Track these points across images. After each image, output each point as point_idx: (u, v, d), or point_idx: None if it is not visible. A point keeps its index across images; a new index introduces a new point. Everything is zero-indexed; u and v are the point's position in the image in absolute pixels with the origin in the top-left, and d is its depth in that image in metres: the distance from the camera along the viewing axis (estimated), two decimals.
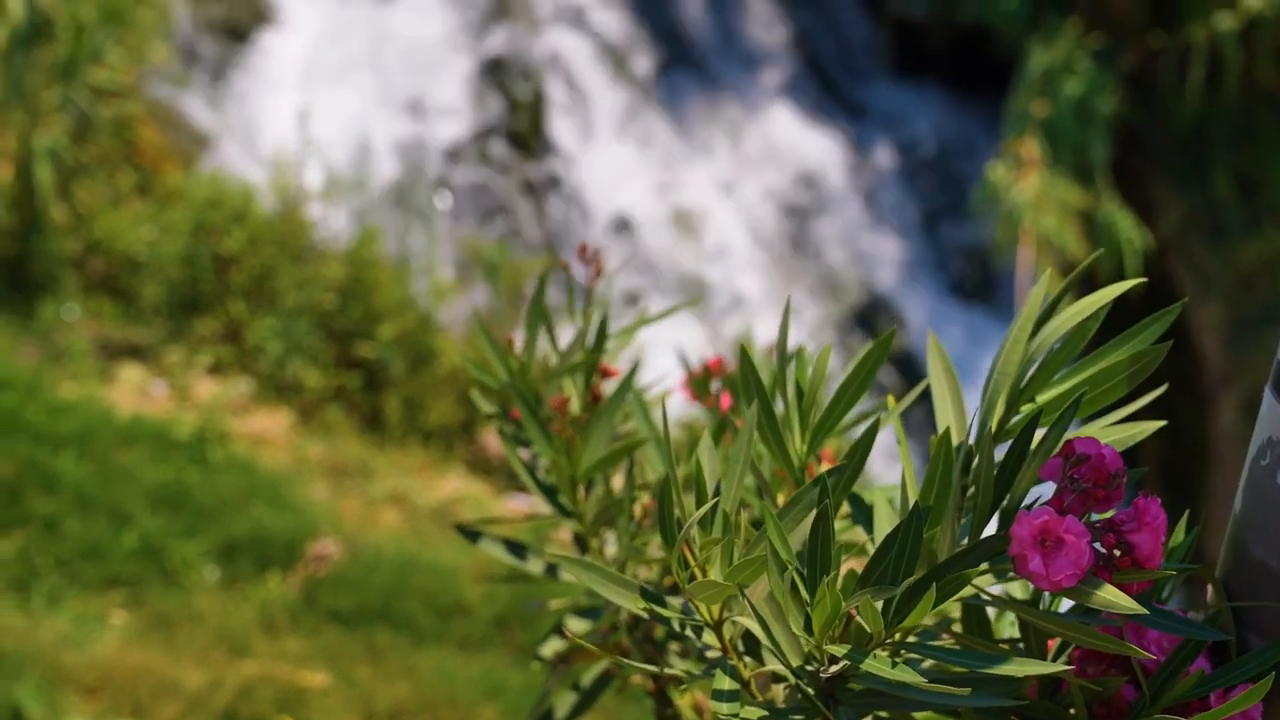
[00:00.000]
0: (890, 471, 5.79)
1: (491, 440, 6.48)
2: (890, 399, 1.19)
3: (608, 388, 1.45)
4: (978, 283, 8.96)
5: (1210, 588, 1.02)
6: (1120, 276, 7.73)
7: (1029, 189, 7.95)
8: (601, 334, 1.44)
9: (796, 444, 1.14)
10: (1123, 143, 8.47)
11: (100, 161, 6.78)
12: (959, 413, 1.04)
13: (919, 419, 7.14)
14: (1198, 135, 8.37)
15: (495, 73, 8.63)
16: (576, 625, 1.42)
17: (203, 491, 5.24)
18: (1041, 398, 1.02)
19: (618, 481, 1.45)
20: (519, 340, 1.44)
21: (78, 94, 6.17)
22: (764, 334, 8.24)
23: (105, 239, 6.58)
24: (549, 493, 1.39)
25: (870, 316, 8.72)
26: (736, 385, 1.78)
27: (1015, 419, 1.03)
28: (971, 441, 1.02)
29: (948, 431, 0.98)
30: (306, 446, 6.11)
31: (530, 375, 1.42)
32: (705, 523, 0.99)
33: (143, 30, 7.13)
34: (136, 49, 7.08)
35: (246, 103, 8.54)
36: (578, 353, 1.45)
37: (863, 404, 1.21)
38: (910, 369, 8.56)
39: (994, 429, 1.02)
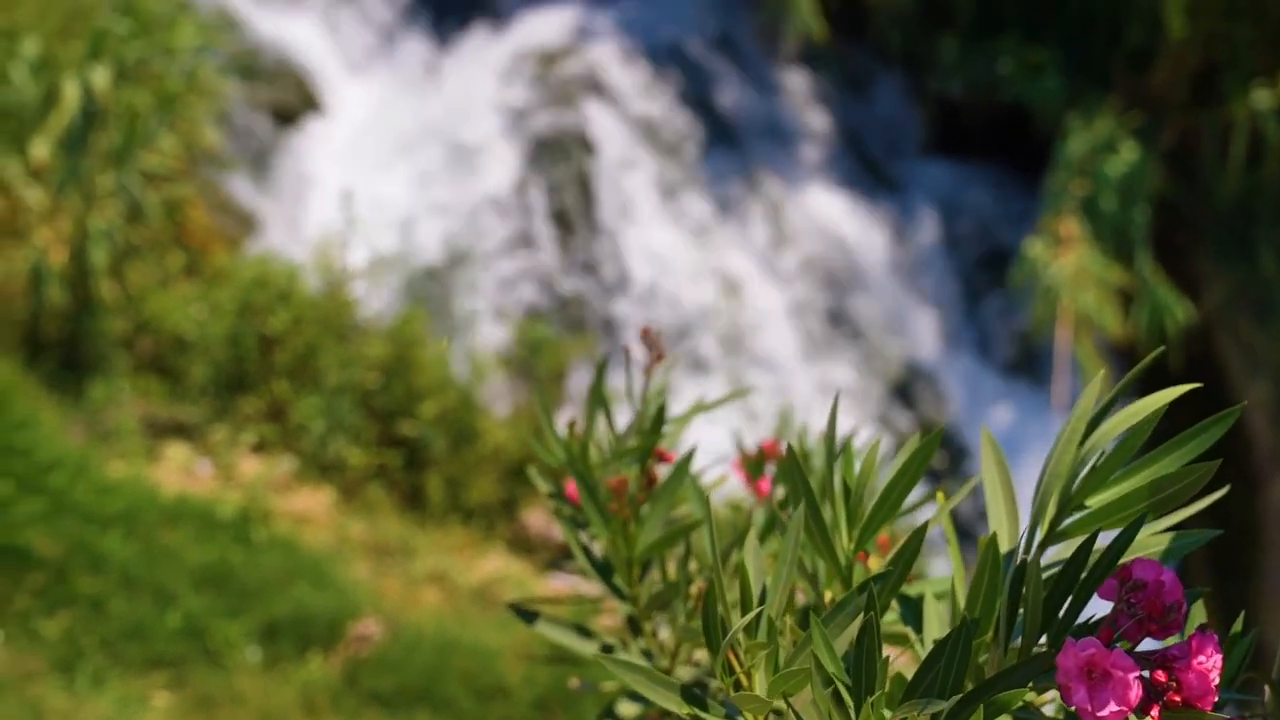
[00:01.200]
0: (941, 540, 5.73)
1: (533, 519, 6.48)
2: (940, 495, 1.19)
3: (663, 469, 1.47)
4: (1019, 357, 8.91)
5: (1269, 690, 1.00)
6: (1164, 354, 7.66)
7: (1067, 266, 7.93)
8: (659, 420, 1.46)
9: (844, 542, 1.14)
10: (1165, 219, 8.45)
11: (151, 243, 6.91)
12: (1011, 515, 1.03)
13: (968, 503, 7.07)
14: (1242, 211, 8.34)
15: (539, 154, 8.75)
16: (627, 710, 1.42)
17: (246, 571, 5.26)
18: (1093, 501, 1.01)
19: (670, 562, 1.45)
20: (572, 421, 1.47)
21: (130, 179, 6.31)
22: (802, 405, 8.21)
23: (154, 319, 6.68)
24: (604, 574, 1.40)
25: (911, 390, 8.68)
26: (785, 473, 1.79)
27: (1067, 521, 1.02)
28: (1021, 546, 1.01)
29: (995, 538, 0.97)
30: (348, 525, 6.13)
31: (589, 458, 1.44)
32: (751, 628, 0.98)
33: (194, 116, 7.30)
34: (187, 134, 7.24)
35: (293, 184, 8.70)
36: (635, 437, 1.47)
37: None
38: (953, 444, 8.50)
39: (1045, 532, 1.02)
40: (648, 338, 1.53)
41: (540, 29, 9.53)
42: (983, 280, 9.12)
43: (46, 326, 6.26)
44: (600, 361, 1.52)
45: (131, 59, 6.35)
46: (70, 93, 5.82)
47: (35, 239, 6.15)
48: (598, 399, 1.50)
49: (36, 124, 5.99)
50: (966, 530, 7.06)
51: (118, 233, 6.41)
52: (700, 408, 1.61)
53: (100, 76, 5.93)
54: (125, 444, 6.02)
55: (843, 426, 1.26)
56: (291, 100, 9.09)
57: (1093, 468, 1.02)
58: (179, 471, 6.04)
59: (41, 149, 6.01)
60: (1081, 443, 1.03)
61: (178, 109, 6.86)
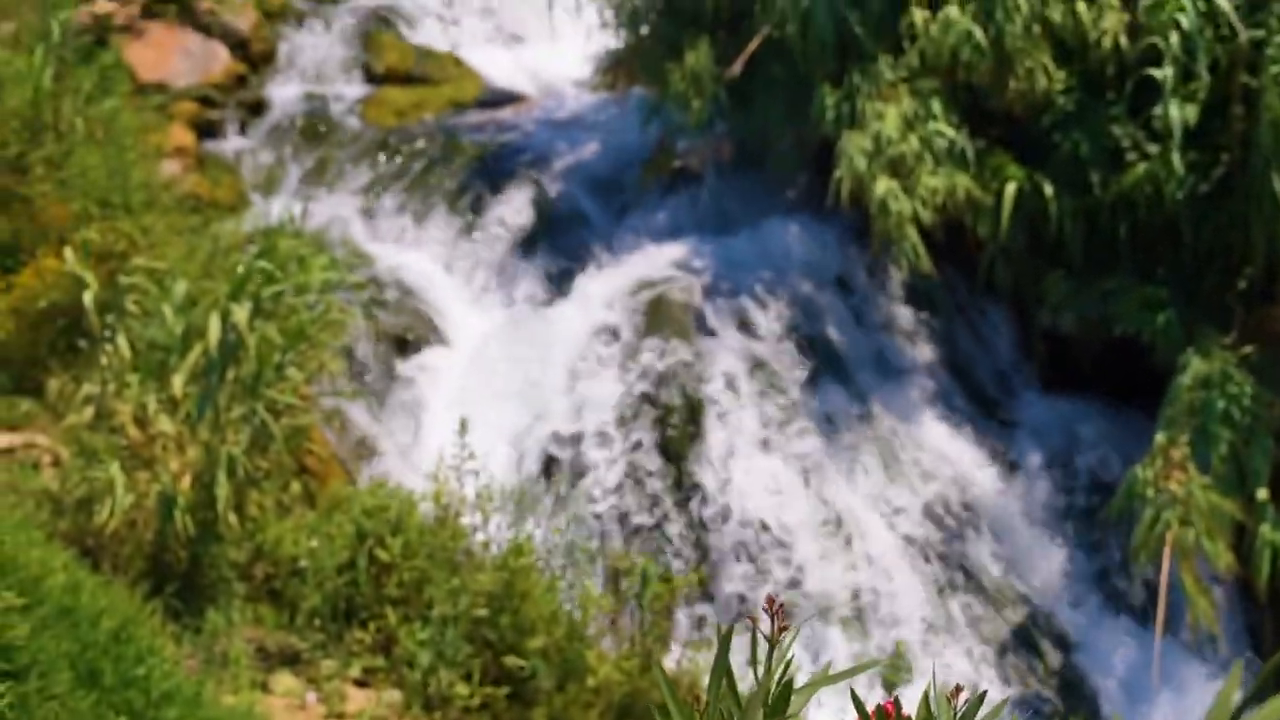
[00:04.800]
0: None
1: None
2: None
3: None
4: (1140, 593, 8.59)
5: None
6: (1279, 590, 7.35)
7: (1175, 493, 7.71)
8: (784, 695, 1.43)
9: None
10: None
11: (272, 471, 7.10)
12: None
13: None
14: None
15: (648, 386, 8.89)
16: None
17: None
18: None
19: None
20: (695, 694, 1.45)
21: (259, 410, 6.54)
22: (917, 644, 7.97)
23: (271, 546, 6.80)
24: None
25: (1029, 633, 8.38)
26: None
27: None
28: None
29: None
30: None
31: None
32: None
33: (321, 348, 7.60)
34: (314, 365, 7.52)
35: (410, 412, 8.94)
36: (758, 712, 1.44)
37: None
38: (1079, 688, 8.14)
39: None
40: (772, 607, 1.52)
41: (650, 264, 9.83)
42: (1099, 516, 8.89)
43: (170, 554, 6.41)
44: (725, 634, 1.51)
45: (267, 296, 6.69)
46: (212, 329, 6.13)
47: (166, 467, 6.37)
48: (721, 672, 1.48)
49: (178, 358, 6.29)
50: None
51: (242, 462, 6.61)
52: (824, 680, 1.58)
53: (240, 313, 6.25)
54: (237, 674, 6.05)
55: (965, 675, 1.23)
56: (412, 331, 9.44)
57: None
58: (287, 703, 6.03)
59: (179, 381, 6.29)
60: None
61: (308, 341, 7.15)
